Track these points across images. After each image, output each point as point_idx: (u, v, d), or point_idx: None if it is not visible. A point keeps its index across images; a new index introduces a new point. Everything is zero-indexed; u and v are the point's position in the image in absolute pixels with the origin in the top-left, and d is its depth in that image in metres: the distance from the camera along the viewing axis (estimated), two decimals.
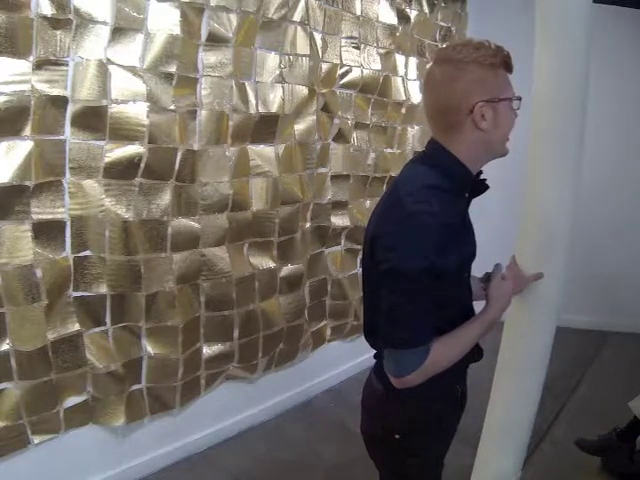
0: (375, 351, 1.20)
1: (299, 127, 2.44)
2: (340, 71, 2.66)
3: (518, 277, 1.35)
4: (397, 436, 1.15)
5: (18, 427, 1.74)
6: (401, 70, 3.04)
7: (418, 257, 0.96)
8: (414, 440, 1.16)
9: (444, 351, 1.03)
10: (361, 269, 1.18)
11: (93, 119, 1.76)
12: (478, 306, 1.23)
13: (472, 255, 1.11)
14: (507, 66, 1.04)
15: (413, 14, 3.07)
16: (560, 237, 1.31)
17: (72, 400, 1.88)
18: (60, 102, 1.69)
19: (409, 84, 3.10)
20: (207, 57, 2.04)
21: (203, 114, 2.05)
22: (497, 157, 1.10)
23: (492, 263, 1.42)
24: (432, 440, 1.19)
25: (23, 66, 1.58)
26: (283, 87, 2.31)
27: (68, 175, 1.76)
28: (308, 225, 2.62)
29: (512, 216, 1.57)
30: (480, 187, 1.12)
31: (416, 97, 3.13)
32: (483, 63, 1.00)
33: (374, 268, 1.07)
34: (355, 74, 2.73)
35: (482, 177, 1.13)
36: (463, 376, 1.23)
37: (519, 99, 1.06)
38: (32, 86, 1.60)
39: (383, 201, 1.12)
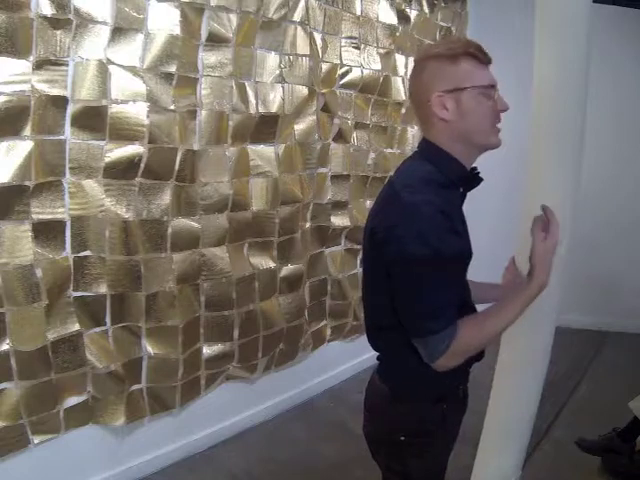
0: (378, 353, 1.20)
1: (299, 127, 2.44)
2: (340, 71, 2.66)
3: (519, 276, 1.34)
4: (402, 437, 1.15)
5: (18, 427, 1.74)
6: (401, 70, 3.04)
7: (420, 244, 0.96)
8: (419, 441, 1.16)
9: (474, 330, 1.02)
10: (362, 269, 1.17)
11: (93, 119, 1.76)
12: (480, 307, 1.22)
13: (469, 250, 1.09)
14: (474, 56, 1.03)
15: (413, 14, 3.07)
16: (560, 237, 1.31)
17: (72, 400, 1.88)
18: (60, 102, 1.69)
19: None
20: (207, 57, 2.04)
21: (203, 114, 2.05)
22: (487, 149, 1.09)
23: (492, 263, 1.40)
24: (437, 441, 1.18)
25: (23, 66, 1.58)
26: (283, 87, 2.31)
27: (68, 175, 1.76)
28: (308, 225, 2.62)
29: (512, 216, 1.57)
30: (473, 180, 1.12)
31: None
32: (443, 55, 1.03)
33: (374, 263, 1.07)
34: (355, 74, 2.72)
35: (476, 171, 1.12)
36: (466, 376, 1.22)
37: (490, 87, 1.03)
38: (32, 86, 1.60)
39: (380, 197, 1.13)
